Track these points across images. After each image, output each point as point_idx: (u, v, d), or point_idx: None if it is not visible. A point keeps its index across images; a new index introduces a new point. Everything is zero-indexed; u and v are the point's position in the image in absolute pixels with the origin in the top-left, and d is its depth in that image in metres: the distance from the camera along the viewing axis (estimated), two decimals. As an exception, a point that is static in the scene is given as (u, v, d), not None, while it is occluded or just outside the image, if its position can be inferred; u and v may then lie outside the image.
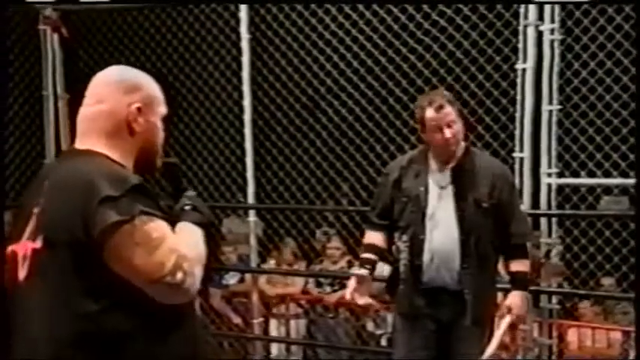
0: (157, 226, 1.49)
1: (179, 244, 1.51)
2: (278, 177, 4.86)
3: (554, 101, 3.84)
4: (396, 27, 4.29)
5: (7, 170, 5.07)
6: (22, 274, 1.54)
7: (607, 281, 4.21)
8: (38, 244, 1.51)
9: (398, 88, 4.36)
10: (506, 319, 2.91)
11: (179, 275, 1.47)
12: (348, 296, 2.97)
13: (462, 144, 2.96)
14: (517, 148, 3.93)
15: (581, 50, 3.82)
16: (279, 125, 4.87)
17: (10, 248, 1.60)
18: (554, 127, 3.86)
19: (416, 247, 2.92)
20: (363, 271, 2.96)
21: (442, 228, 2.90)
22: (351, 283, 2.95)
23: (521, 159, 3.91)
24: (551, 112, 3.85)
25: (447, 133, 2.85)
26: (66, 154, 1.75)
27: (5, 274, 1.61)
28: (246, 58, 4.56)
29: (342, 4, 4.37)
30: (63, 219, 1.48)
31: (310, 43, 4.56)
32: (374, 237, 3.07)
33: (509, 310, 2.91)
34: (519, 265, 2.96)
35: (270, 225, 5.01)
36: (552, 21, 3.80)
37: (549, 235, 3.92)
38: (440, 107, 2.87)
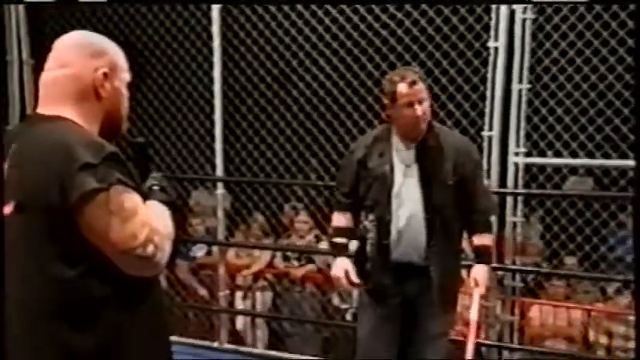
0: (131, 197, 1.49)
1: (151, 218, 1.51)
2: (247, 150, 4.83)
3: (524, 80, 3.85)
4: (369, 1, 4.24)
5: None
6: None
7: (570, 260, 4.27)
8: (8, 209, 1.48)
9: (370, 63, 4.32)
10: (476, 293, 2.93)
11: (150, 248, 1.47)
12: (346, 285, 3.00)
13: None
14: (486, 126, 3.94)
15: (552, 30, 3.83)
16: (249, 97, 4.82)
17: None
18: (523, 107, 3.87)
19: (383, 226, 2.92)
20: (347, 261, 2.99)
21: (408, 206, 2.90)
22: (341, 274, 2.97)
23: (490, 137, 3.93)
24: (520, 91, 3.87)
25: (419, 110, 2.82)
26: (31, 119, 1.69)
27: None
28: (216, 28, 4.48)
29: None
30: (38, 183, 1.45)
31: (282, 15, 4.50)
32: (343, 219, 3.07)
33: (477, 283, 2.93)
34: (483, 239, 2.97)
35: (238, 198, 4.98)
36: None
37: (514, 214, 3.96)
38: (413, 83, 2.83)
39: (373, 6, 4.22)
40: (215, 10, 4.47)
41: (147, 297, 1.55)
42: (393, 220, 2.90)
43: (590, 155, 3.87)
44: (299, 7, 4.43)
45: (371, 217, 2.95)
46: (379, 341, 3.00)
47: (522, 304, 4.11)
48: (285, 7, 4.47)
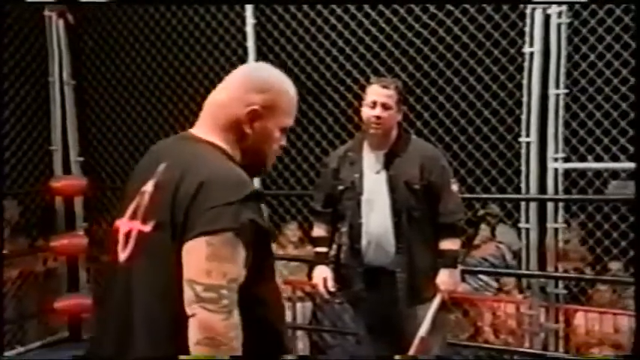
0: (237, 254, 1.42)
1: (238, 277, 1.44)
2: (283, 163, 4.86)
3: (561, 85, 3.81)
4: (402, 11, 4.26)
5: (14, 157, 5.09)
6: (124, 254, 1.53)
7: (615, 266, 4.18)
8: (148, 227, 1.49)
9: (404, 73, 4.33)
10: (437, 297, 2.99)
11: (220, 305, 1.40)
12: (324, 294, 3.17)
13: (395, 131, 3.04)
14: (523, 132, 3.92)
15: (588, 33, 3.79)
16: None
17: (114, 224, 1.59)
18: (561, 112, 3.84)
19: (354, 232, 3.04)
20: (325, 269, 3.16)
21: (377, 211, 3.01)
22: (319, 282, 3.15)
23: (528, 144, 3.90)
24: (558, 96, 3.83)
25: (377, 111, 2.94)
26: (184, 138, 1.63)
27: (106, 251, 1.62)
28: (251, 44, 4.55)
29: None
30: (175, 207, 1.45)
31: (316, 29, 4.54)
32: (321, 229, 3.24)
33: (438, 288, 3.00)
34: (448, 244, 3.03)
35: (275, 211, 5.01)
36: (560, 4, 3.77)
37: (555, 220, 3.91)
38: (384, 86, 2.98)
39: (407, 15, 4.23)
40: (249, 24, 4.53)
41: (256, 315, 1.50)
42: (364, 226, 3.02)
43: (632, 158, 3.80)
44: (332, 18, 4.46)
45: (344, 223, 3.09)
46: (367, 349, 3.22)
47: (567, 311, 4.05)
48: (319, 20, 4.50)
